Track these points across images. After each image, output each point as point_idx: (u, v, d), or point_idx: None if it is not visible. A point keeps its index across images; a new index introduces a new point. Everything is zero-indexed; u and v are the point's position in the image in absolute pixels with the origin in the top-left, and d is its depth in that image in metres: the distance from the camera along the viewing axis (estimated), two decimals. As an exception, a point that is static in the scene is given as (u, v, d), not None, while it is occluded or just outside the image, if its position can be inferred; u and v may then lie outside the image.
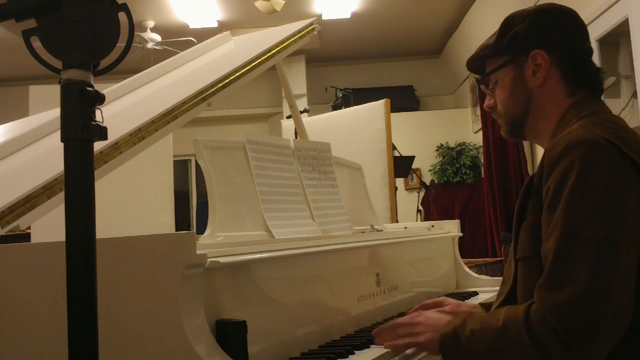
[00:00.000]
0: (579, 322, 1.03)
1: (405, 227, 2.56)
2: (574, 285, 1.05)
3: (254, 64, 1.97)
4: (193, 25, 7.19)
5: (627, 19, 4.09)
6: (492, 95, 1.43)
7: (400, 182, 7.32)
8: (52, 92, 2.83)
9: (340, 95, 6.85)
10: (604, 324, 1.03)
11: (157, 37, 6.88)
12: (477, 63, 1.45)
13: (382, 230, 2.30)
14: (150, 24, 7.01)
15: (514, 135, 1.42)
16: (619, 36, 4.42)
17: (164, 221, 2.66)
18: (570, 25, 1.35)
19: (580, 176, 1.09)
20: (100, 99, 0.75)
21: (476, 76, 1.51)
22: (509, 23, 1.36)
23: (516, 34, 1.34)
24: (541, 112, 1.34)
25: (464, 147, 7.94)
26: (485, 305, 1.55)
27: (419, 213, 6.56)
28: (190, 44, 4.15)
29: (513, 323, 1.11)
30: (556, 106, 1.31)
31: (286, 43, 2.18)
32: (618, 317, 1.05)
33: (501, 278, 1.38)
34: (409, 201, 7.08)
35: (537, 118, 1.35)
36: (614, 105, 4.54)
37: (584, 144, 1.12)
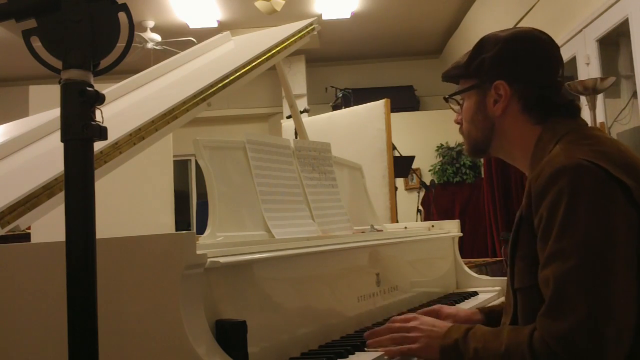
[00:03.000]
0: (585, 348, 1.03)
1: (405, 227, 2.56)
2: (575, 312, 1.05)
3: (254, 64, 1.97)
4: (193, 25, 7.19)
5: (627, 19, 4.09)
6: (459, 113, 1.43)
7: (400, 182, 7.32)
8: (52, 92, 2.82)
9: (340, 95, 6.85)
10: (609, 346, 1.03)
11: (157, 37, 6.88)
12: (451, 79, 1.45)
13: (382, 230, 2.30)
14: (150, 24, 7.01)
15: (476, 155, 1.44)
16: (619, 36, 4.42)
17: (164, 221, 2.65)
18: (540, 58, 1.30)
19: (569, 204, 1.09)
20: (100, 99, 0.75)
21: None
22: (481, 46, 1.34)
23: (483, 61, 1.32)
24: (508, 138, 1.34)
25: (464, 147, 7.93)
26: (484, 311, 1.54)
27: (419, 213, 6.56)
28: (190, 44, 4.15)
29: (516, 349, 1.10)
30: (525, 133, 1.30)
31: (286, 43, 2.18)
32: (622, 337, 1.05)
33: (501, 278, 1.38)
34: (409, 201, 7.08)
35: (505, 143, 1.35)
36: (614, 105, 4.53)
37: (567, 172, 1.11)
